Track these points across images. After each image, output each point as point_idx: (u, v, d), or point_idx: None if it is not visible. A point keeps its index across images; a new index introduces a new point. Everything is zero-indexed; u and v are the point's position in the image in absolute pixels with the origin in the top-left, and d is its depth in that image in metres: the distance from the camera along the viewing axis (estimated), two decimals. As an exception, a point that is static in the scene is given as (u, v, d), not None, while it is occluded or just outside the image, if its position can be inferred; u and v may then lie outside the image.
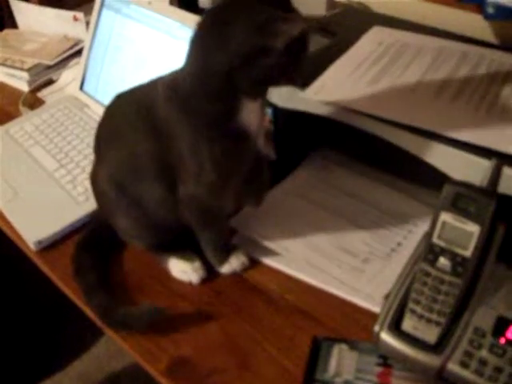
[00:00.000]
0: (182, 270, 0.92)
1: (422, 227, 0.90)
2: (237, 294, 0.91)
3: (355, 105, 0.87)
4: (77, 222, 1.05)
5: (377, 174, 1.02)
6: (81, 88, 1.39)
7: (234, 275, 0.93)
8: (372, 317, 0.80)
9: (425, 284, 0.76)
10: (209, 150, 0.80)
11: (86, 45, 1.38)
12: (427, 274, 0.75)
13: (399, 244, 0.93)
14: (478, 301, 0.76)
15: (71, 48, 1.56)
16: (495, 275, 0.77)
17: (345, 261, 0.91)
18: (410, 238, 0.93)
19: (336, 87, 0.91)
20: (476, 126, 0.82)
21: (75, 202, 1.09)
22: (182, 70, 0.81)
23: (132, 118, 0.87)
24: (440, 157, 0.82)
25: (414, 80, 0.91)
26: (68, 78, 1.48)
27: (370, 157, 1.02)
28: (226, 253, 0.92)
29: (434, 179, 0.83)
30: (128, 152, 0.86)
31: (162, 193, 0.86)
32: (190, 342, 0.85)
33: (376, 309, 0.83)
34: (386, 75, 0.93)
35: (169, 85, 0.82)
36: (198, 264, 0.92)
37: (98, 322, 0.88)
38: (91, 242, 0.97)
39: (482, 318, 0.75)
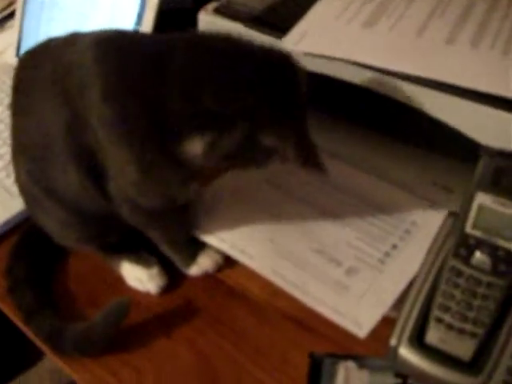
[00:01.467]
0: (137, 277, 0.73)
1: (423, 227, 0.73)
2: (211, 301, 0.73)
3: (348, 54, 0.67)
4: (13, 219, 0.86)
5: (367, 159, 0.81)
6: (17, 55, 1.19)
7: (207, 278, 0.75)
8: (385, 322, 0.64)
9: (456, 286, 0.58)
10: (136, 160, 0.62)
11: (19, 3, 1.16)
12: (459, 274, 0.58)
13: (394, 247, 0.72)
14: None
15: (5, 8, 1.34)
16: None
17: (324, 270, 0.71)
18: (407, 239, 0.73)
19: (321, 34, 0.72)
20: (507, 75, 0.63)
21: (9, 194, 0.90)
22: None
23: (44, 81, 0.67)
24: (467, 117, 0.63)
25: (421, 20, 0.72)
26: (3, 43, 1.27)
27: (360, 126, 0.82)
28: (192, 251, 0.73)
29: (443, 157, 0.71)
30: (36, 125, 0.68)
31: (78, 179, 0.66)
32: (153, 368, 0.68)
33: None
34: (384, 15, 0.73)
35: (106, 47, 0.63)
36: (156, 270, 0.73)
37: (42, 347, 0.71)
38: (27, 247, 0.79)
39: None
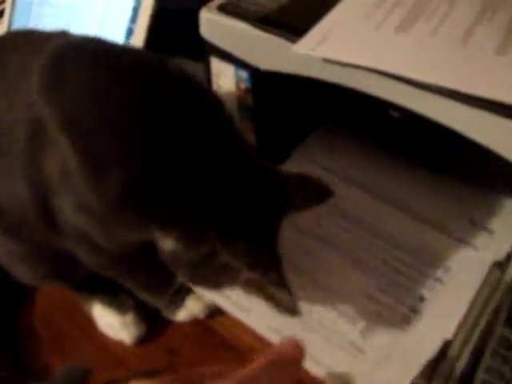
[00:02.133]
0: (109, 323, 0.61)
1: (457, 275, 0.60)
2: (200, 353, 0.60)
3: (379, 63, 0.55)
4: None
5: (392, 190, 0.68)
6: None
7: (195, 324, 0.62)
8: None
9: (505, 361, 0.46)
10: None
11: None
12: (511, 347, 0.45)
13: (421, 299, 0.59)
14: None
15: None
16: None
17: (333, 329, 0.58)
18: (437, 290, 0.59)
19: (346, 38, 0.59)
20: None
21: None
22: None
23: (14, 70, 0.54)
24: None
25: (466, 24, 0.59)
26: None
27: (385, 150, 0.69)
28: (178, 294, 0.60)
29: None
30: None
31: (27, 197, 0.52)
32: None
33: None
34: (421, 18, 0.61)
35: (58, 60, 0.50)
36: (131, 316, 0.61)
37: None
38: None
39: None
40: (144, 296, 0.60)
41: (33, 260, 0.58)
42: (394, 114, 0.59)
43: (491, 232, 0.62)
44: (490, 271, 0.55)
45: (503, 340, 0.46)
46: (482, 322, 0.50)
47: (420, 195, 0.66)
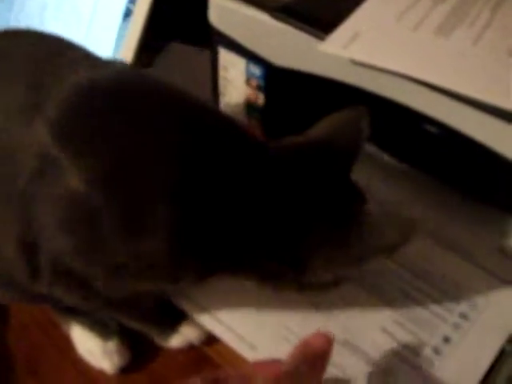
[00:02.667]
0: (88, 349, 0.54)
1: (486, 311, 0.53)
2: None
3: (415, 71, 0.48)
4: None
5: (414, 212, 0.60)
6: None
7: (189, 352, 0.55)
8: None
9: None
10: None
11: None
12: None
13: (446, 340, 0.52)
14: None
15: None
16: None
17: (345, 366, 0.51)
18: (464, 329, 0.52)
19: (379, 38, 0.52)
20: None
21: None
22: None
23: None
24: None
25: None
26: None
27: (408, 167, 0.62)
28: (171, 319, 0.53)
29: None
30: None
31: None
32: None
33: None
34: (464, 22, 0.54)
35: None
36: (114, 343, 0.54)
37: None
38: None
39: None
40: (135, 325, 0.53)
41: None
42: (431, 129, 0.52)
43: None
44: None
45: None
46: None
47: (447, 219, 0.59)
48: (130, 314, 0.52)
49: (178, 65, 0.80)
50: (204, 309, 0.54)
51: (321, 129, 0.48)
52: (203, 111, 0.45)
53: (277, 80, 0.59)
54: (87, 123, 0.41)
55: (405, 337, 0.52)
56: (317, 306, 0.54)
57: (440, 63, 0.49)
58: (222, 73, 0.64)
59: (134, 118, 0.42)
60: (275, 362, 0.40)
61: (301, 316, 0.54)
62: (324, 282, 0.47)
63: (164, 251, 0.41)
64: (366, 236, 0.43)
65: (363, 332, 0.53)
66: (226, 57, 0.62)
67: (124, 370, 0.54)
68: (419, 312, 0.54)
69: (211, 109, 0.48)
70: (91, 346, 0.54)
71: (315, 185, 0.44)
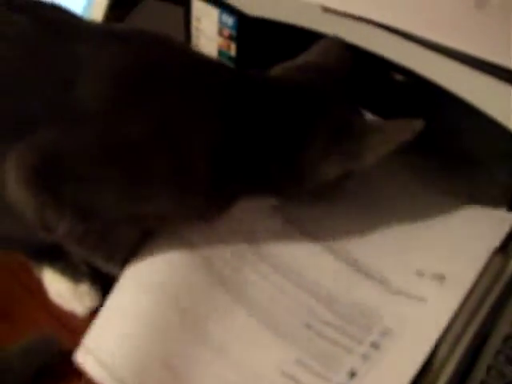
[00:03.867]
0: (59, 291, 0.54)
1: (401, 339, 0.46)
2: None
3: (383, 17, 0.49)
4: None
5: (325, 234, 0.55)
6: None
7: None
8: None
9: (509, 362, 0.41)
10: None
11: None
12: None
13: (352, 375, 0.45)
14: None
15: None
16: None
17: None
18: (374, 361, 0.46)
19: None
20: None
21: None
22: None
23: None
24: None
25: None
26: None
27: None
28: None
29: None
30: None
31: None
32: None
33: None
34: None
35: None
36: (85, 286, 0.54)
37: None
38: None
39: None
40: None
41: None
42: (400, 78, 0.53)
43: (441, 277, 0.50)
44: (492, 261, 0.49)
45: (508, 340, 0.41)
46: (481, 316, 0.45)
47: (361, 240, 0.54)
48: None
49: (151, 21, 0.80)
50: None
51: (313, 54, 0.54)
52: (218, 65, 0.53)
53: (249, 29, 0.60)
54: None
55: (305, 377, 0.46)
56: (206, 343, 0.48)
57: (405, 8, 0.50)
58: (195, 23, 0.64)
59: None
60: None
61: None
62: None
63: (206, 176, 0.47)
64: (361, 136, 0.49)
65: (259, 377, 0.46)
66: (199, 7, 0.63)
67: (94, 313, 0.55)
68: (323, 346, 0.47)
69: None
70: (63, 289, 0.54)
71: (315, 100, 0.50)
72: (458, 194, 0.55)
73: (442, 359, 0.44)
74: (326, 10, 0.51)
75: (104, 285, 0.55)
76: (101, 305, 0.53)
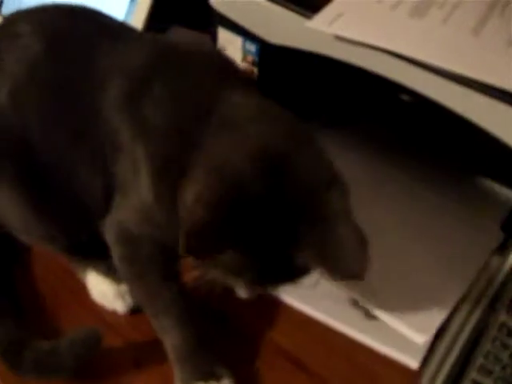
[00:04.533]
0: (102, 292, 0.61)
1: None
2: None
3: (390, 44, 0.55)
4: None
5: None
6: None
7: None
8: (404, 376, 0.54)
9: (504, 347, 0.46)
10: None
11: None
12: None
13: None
14: None
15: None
16: None
17: None
18: None
19: (361, 17, 0.59)
20: None
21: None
22: None
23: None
24: None
25: (480, 14, 0.59)
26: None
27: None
28: None
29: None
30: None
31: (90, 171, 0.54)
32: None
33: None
34: (436, 4, 0.60)
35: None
36: (126, 286, 0.60)
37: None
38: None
39: None
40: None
41: (38, 213, 0.57)
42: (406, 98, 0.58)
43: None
44: (488, 260, 0.56)
45: (504, 327, 0.46)
46: (480, 309, 0.51)
47: None
48: None
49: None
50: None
51: None
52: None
53: (270, 56, 0.66)
54: None
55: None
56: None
57: (411, 38, 0.55)
58: (221, 50, 0.70)
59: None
60: None
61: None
62: None
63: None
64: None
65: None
66: (224, 36, 0.69)
67: (135, 312, 0.61)
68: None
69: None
70: (105, 289, 0.60)
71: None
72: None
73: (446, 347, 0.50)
74: (338, 37, 0.57)
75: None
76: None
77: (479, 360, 0.47)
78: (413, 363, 0.54)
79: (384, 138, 0.70)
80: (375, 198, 0.65)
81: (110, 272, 0.60)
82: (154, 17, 0.83)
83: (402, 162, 0.69)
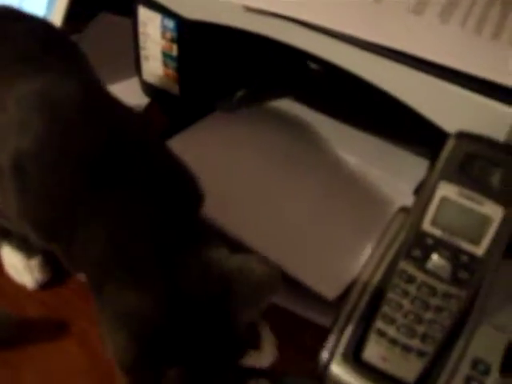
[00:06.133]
0: (13, 265, 0.61)
1: None
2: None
3: (297, 13, 0.57)
4: None
5: None
6: None
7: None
8: (314, 331, 0.56)
9: (405, 294, 0.49)
10: None
11: None
12: (410, 279, 0.49)
13: None
14: (480, 320, 0.50)
15: None
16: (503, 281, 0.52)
17: None
18: None
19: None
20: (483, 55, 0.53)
21: None
22: None
23: None
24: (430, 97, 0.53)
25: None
26: None
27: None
28: None
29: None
30: None
31: None
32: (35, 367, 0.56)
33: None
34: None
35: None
36: (36, 261, 0.60)
37: None
38: None
39: (486, 344, 0.49)
40: None
41: None
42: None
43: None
44: (396, 214, 0.58)
45: (404, 274, 0.48)
46: (387, 260, 0.54)
47: None
48: None
49: (105, 32, 0.88)
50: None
51: None
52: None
53: (188, 31, 0.67)
54: None
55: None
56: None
57: (317, 5, 0.57)
58: (141, 29, 0.72)
59: None
60: None
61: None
62: None
63: None
64: None
65: None
66: (144, 14, 0.70)
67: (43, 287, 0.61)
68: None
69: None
70: (16, 262, 0.60)
71: None
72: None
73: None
74: (249, 9, 0.58)
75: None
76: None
77: (383, 309, 0.50)
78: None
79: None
80: (293, 167, 0.68)
81: (23, 246, 0.60)
82: (81, 3, 0.83)
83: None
